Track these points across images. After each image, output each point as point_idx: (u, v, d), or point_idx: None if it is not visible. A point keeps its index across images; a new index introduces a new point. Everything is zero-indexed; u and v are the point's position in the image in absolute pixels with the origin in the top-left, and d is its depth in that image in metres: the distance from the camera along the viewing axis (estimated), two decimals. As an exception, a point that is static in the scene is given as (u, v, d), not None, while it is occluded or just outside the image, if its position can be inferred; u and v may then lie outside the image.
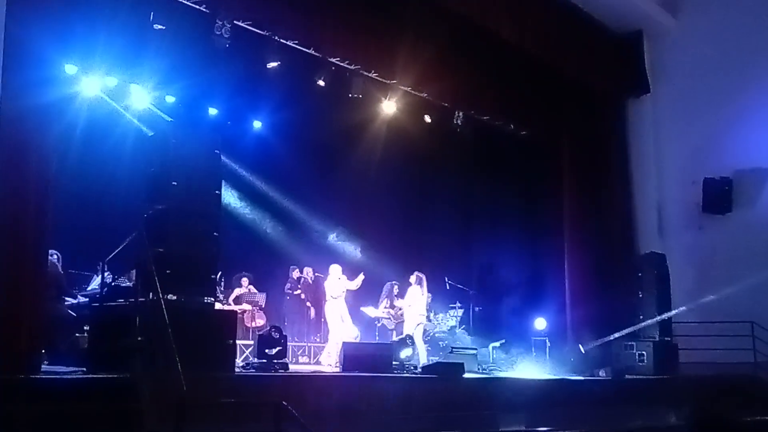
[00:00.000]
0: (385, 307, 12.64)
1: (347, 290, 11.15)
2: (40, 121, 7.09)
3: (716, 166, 13.70)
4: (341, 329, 10.93)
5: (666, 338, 12.74)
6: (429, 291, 13.03)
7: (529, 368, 11.66)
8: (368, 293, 12.64)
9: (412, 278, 11.82)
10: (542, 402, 9.78)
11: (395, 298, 12.48)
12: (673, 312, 12.94)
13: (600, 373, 11.51)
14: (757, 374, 12.39)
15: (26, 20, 6.89)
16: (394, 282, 12.66)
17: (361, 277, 11.35)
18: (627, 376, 11.65)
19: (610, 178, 14.39)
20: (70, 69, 9.65)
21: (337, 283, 11.03)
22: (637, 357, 12.37)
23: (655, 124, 14.63)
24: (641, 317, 12.78)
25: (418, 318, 11.69)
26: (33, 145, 7.03)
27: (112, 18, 8.90)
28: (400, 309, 12.31)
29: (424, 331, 12.60)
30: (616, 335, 12.64)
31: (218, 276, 9.37)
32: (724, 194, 13.62)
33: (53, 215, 7.33)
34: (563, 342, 13.10)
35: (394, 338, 11.84)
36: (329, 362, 10.80)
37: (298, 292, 12.85)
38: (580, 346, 12.56)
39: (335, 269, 11.17)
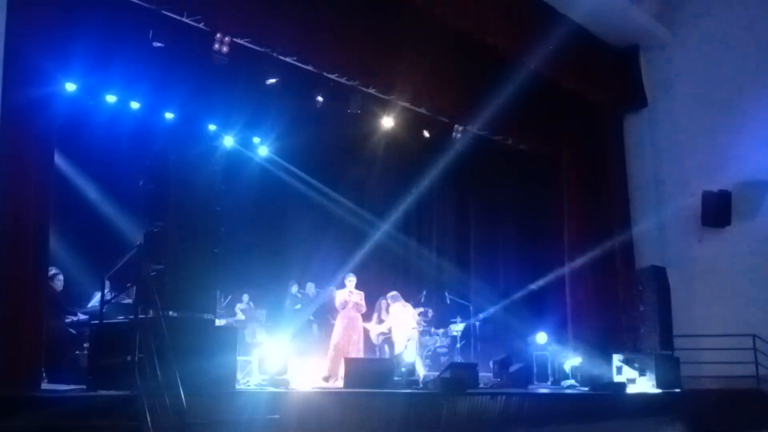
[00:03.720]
0: (376, 323, 12.61)
1: (356, 305, 11.13)
2: (40, 138, 7.11)
3: (715, 179, 13.72)
4: (338, 343, 10.87)
5: (667, 352, 12.70)
6: (429, 306, 13.05)
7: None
8: (369, 310, 12.61)
9: (387, 300, 11.85)
10: (545, 416, 9.73)
11: (383, 312, 12.47)
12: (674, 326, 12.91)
13: (601, 388, 11.44)
14: (760, 388, 12.34)
15: (26, 39, 6.93)
16: (384, 297, 12.64)
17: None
18: (628, 391, 11.59)
19: (609, 191, 14.41)
20: (69, 86, 9.70)
21: (345, 296, 11.09)
22: (638, 371, 12.31)
23: (654, 137, 14.68)
24: (642, 330, 12.74)
25: (407, 333, 11.67)
26: (33, 162, 7.05)
27: (112, 36, 8.95)
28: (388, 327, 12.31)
29: (425, 346, 12.57)
30: (617, 349, 12.61)
31: (218, 292, 9.34)
32: (723, 207, 13.63)
33: (53, 232, 7.32)
34: (564, 356, 13.05)
35: (395, 351, 11.79)
36: (324, 375, 10.72)
37: (298, 307, 12.81)
38: (582, 359, 12.52)
39: (348, 281, 11.24)
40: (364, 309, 11.34)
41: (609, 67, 14.19)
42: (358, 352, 11.17)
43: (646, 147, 14.68)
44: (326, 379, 10.56)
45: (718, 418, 11.46)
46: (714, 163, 13.85)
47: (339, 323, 11.19)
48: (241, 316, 12.08)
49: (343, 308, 11.15)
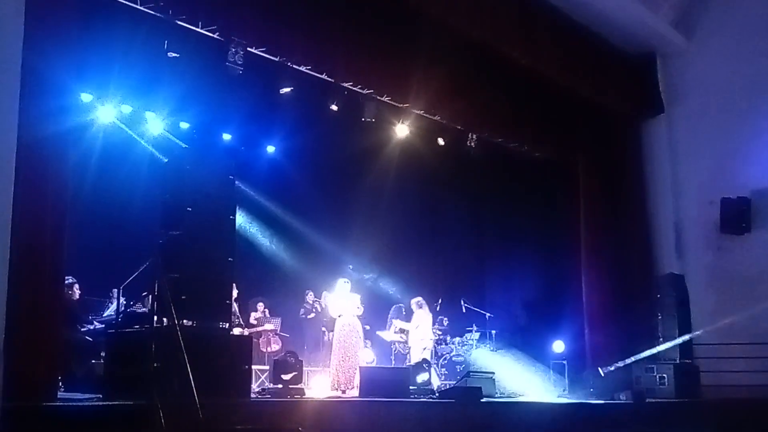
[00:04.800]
0: (395, 331, 12.58)
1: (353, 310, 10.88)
2: (57, 149, 7.16)
3: (733, 185, 13.56)
4: (339, 353, 10.68)
5: (687, 360, 12.54)
6: (445, 315, 13.00)
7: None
8: (384, 318, 12.60)
9: (413, 304, 11.79)
10: (561, 426, 9.63)
11: (399, 320, 12.45)
12: (694, 334, 12.75)
13: (620, 397, 11.32)
14: (782, 397, 12.14)
15: (43, 50, 6.98)
16: (400, 304, 12.62)
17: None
18: (647, 400, 11.46)
19: (626, 199, 14.29)
20: (85, 97, 9.78)
21: (337, 302, 10.83)
22: (657, 380, 12.16)
23: (671, 144, 14.55)
24: (661, 339, 12.60)
25: (424, 343, 11.61)
26: (50, 173, 7.09)
27: (127, 47, 9.02)
28: (407, 332, 12.28)
29: (441, 354, 12.53)
30: (636, 358, 12.46)
31: (233, 301, 9.35)
32: (742, 214, 13.47)
33: (70, 242, 7.36)
34: (582, 365, 12.93)
35: (411, 362, 11.75)
36: (332, 386, 10.60)
37: (312, 316, 12.80)
38: (600, 369, 12.38)
39: (340, 286, 10.92)
40: (361, 311, 11.04)
41: (625, 74, 14.09)
42: (372, 360, 11.09)
43: (663, 154, 14.54)
44: (337, 389, 10.39)
45: (739, 428, 11.28)
46: (733, 170, 13.70)
47: (341, 331, 10.76)
48: (268, 326, 12.08)
49: (340, 316, 10.81)
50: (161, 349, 6.65)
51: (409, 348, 12.07)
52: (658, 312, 12.82)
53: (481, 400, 9.61)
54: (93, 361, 8.66)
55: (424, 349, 11.63)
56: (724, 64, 13.98)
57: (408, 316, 12.24)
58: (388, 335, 12.47)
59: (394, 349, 12.76)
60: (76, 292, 9.15)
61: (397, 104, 11.62)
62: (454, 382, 11.16)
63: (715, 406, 11.65)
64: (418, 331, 11.75)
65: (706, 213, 13.75)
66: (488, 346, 12.90)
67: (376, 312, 12.32)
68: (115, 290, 8.11)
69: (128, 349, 7.24)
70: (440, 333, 13.10)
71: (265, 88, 10.68)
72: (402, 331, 12.51)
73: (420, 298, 11.98)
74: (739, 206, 13.44)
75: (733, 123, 13.76)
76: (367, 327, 11.58)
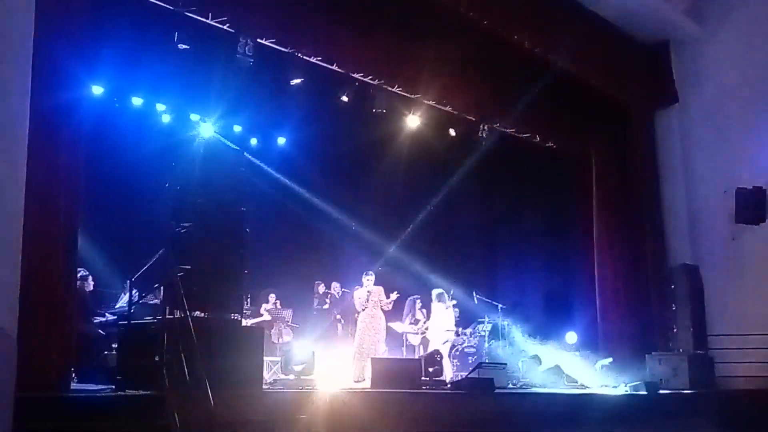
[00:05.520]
0: (410, 323, 12.57)
1: (376, 303, 10.92)
2: (69, 142, 7.18)
3: (748, 175, 13.43)
4: (362, 345, 10.72)
5: (701, 351, 12.47)
6: (457, 306, 12.96)
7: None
8: (396, 309, 12.57)
9: (433, 295, 11.76)
10: (574, 417, 9.60)
11: (418, 312, 12.41)
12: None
13: (633, 388, 11.28)
14: (796, 388, 12.05)
15: (54, 43, 6.99)
16: (416, 296, 12.59)
17: (394, 296, 11.25)
18: (661, 391, 11.40)
19: (639, 189, 14.18)
20: (97, 89, 9.80)
21: (363, 295, 10.90)
22: (671, 371, 12.10)
23: (685, 134, 14.42)
24: (675, 330, 12.53)
25: (445, 335, 11.58)
26: (62, 164, 7.11)
27: (137, 39, 9.03)
28: (424, 323, 12.25)
29: (453, 345, 12.50)
30: (650, 349, 12.41)
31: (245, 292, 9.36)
32: (757, 204, 13.34)
33: (82, 234, 7.39)
34: (595, 356, 12.88)
35: (421, 353, 11.74)
36: (354, 377, 10.67)
37: (326, 307, 12.81)
38: (612, 359, 12.34)
39: (366, 280, 11.01)
40: (387, 305, 11.10)
41: (638, 63, 13.98)
42: (383, 351, 11.10)
43: (677, 143, 14.42)
44: (357, 382, 10.43)
45: (753, 419, 11.21)
46: (747, 159, 13.57)
47: (361, 324, 10.98)
48: (267, 317, 12.10)
49: (363, 308, 10.94)
50: (173, 340, 6.67)
51: (428, 341, 12.03)
52: (672, 302, 12.75)
53: (494, 391, 9.59)
54: (105, 352, 8.71)
55: (445, 342, 11.58)
56: (737, 52, 13.83)
57: (424, 308, 12.20)
58: (400, 327, 12.46)
59: (405, 341, 12.75)
60: (90, 284, 9.19)
61: (408, 95, 11.58)
62: (466, 374, 11.15)
63: (729, 398, 11.59)
64: (436, 326, 11.67)
65: (721, 203, 13.63)
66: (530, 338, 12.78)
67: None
68: (127, 282, 8.13)
69: (140, 341, 7.26)
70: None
71: (275, 79, 10.67)
72: (416, 322, 12.50)
73: (441, 290, 11.90)
74: (754, 196, 13.32)
75: (748, 112, 13.63)
76: (398, 293, 11.53)
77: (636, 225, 13.97)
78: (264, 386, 8.30)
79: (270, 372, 10.82)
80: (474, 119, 12.65)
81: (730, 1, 14.07)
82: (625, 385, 11.11)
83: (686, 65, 14.42)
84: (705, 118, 14.17)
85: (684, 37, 14.27)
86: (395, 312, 12.52)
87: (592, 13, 12.58)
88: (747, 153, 13.62)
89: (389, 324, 12.37)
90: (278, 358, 11.12)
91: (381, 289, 11.10)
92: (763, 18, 13.67)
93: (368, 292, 10.95)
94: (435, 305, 11.71)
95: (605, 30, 12.98)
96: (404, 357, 12.22)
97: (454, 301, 12.79)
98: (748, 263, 13.33)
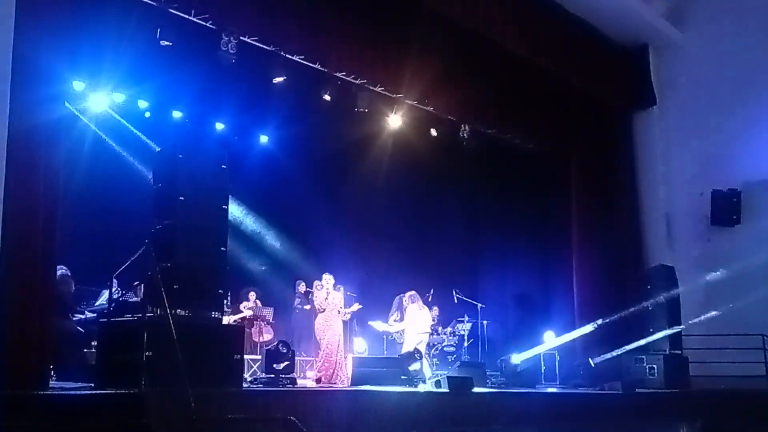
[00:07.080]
0: (395, 320, 12.58)
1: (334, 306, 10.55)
2: (49, 137, 7.12)
3: (724, 178, 13.63)
4: (329, 345, 10.42)
5: (676, 351, 12.62)
6: (437, 305, 13.01)
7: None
8: (377, 307, 12.60)
9: (405, 299, 11.79)
10: (552, 416, 9.70)
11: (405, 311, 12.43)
12: (682, 326, 12.84)
13: (610, 387, 11.41)
14: (769, 387, 12.25)
15: (34, 38, 6.93)
16: (401, 295, 12.61)
17: (356, 306, 11.16)
18: (637, 390, 11.54)
19: (618, 190, 14.35)
20: (78, 85, 9.74)
21: (323, 297, 10.52)
22: (647, 370, 12.23)
23: (663, 136, 14.59)
24: (651, 330, 12.67)
25: (418, 337, 11.62)
26: (41, 161, 7.05)
27: (120, 35, 8.97)
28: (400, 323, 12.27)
29: (432, 345, 12.54)
30: (626, 348, 12.54)
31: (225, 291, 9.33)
32: (733, 206, 13.54)
33: (61, 231, 7.34)
34: (573, 355, 13.01)
35: (402, 352, 11.77)
36: (314, 376, 10.47)
37: (308, 306, 12.81)
38: (590, 359, 12.46)
39: (326, 280, 10.56)
40: (344, 315, 10.80)
41: (618, 65, 14.12)
42: (345, 351, 10.94)
43: (655, 145, 14.59)
44: (319, 381, 10.17)
45: (728, 418, 11.38)
46: (724, 162, 13.76)
47: (323, 325, 10.46)
48: (248, 314, 12.09)
49: (323, 310, 10.49)
50: (153, 338, 6.65)
51: (404, 342, 12.05)
52: (648, 303, 12.88)
53: (473, 390, 9.66)
54: (85, 350, 8.65)
55: (419, 342, 11.63)
56: (716, 56, 14.02)
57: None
58: (380, 326, 12.49)
59: (386, 339, 12.79)
60: (70, 281, 9.11)
61: (390, 94, 11.60)
62: (446, 372, 11.21)
63: (704, 397, 11.75)
64: (413, 325, 11.74)
65: (697, 205, 13.82)
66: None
67: (370, 302, 12.31)
68: (108, 279, 8.08)
69: (120, 338, 7.23)
70: (432, 323, 13.11)
71: (258, 77, 10.63)
72: (402, 319, 12.52)
73: (413, 292, 11.95)
74: (729, 198, 13.52)
75: (725, 115, 13.81)
76: (360, 305, 11.44)
77: (614, 226, 14.12)
78: (244, 384, 8.30)
79: (250, 370, 10.82)
80: (455, 120, 12.71)
81: (708, 6, 14.26)
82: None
83: (665, 68, 14.60)
84: (682, 120, 14.35)
85: (663, 41, 14.45)
86: (379, 310, 12.57)
87: (574, 16, 12.69)
88: (724, 156, 13.81)
89: (370, 323, 12.41)
90: (259, 357, 11.12)
91: (341, 295, 10.75)
92: (741, 23, 13.87)
93: (327, 292, 10.53)
94: (410, 306, 11.75)
95: (586, 33, 13.10)
96: (385, 355, 12.27)
97: (436, 309, 12.87)
98: (723, 265, 13.51)
